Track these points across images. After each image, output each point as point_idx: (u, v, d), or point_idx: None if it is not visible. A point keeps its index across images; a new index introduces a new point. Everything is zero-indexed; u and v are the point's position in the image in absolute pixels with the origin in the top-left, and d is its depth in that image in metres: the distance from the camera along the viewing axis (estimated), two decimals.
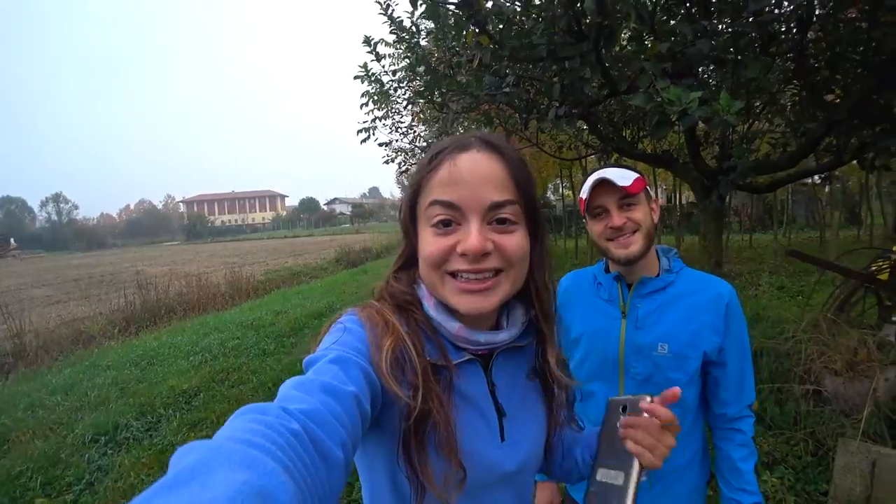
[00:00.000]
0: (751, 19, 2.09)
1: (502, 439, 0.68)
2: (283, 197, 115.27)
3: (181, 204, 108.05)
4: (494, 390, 0.70)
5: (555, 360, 0.73)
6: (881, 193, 11.44)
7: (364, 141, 5.83)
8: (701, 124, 2.33)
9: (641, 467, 0.62)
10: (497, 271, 0.62)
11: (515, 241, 0.62)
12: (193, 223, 76.78)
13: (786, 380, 2.81)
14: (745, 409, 1.14)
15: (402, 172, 8.62)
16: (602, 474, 0.63)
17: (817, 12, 2.25)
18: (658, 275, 1.16)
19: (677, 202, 11.74)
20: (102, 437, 3.58)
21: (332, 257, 17.77)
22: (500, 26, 2.07)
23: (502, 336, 0.68)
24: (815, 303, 3.85)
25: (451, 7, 2.07)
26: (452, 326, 0.66)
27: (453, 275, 0.62)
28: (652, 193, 1.16)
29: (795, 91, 3.18)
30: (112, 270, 19.13)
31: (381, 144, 7.99)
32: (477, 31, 1.90)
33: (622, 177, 1.07)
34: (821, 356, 2.74)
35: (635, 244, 1.09)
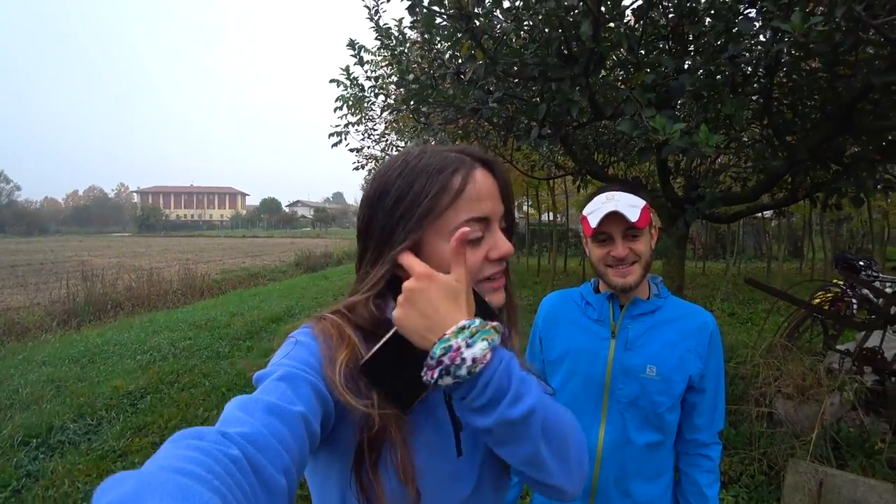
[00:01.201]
0: (726, 59, 2.20)
1: (459, 454, 0.65)
2: (243, 195, 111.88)
3: (135, 194, 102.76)
4: (451, 401, 0.67)
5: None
6: (823, 230, 12.33)
7: (335, 145, 5.75)
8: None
9: None
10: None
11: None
12: (147, 215, 72.87)
13: (742, 402, 2.93)
14: (715, 436, 1.18)
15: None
16: None
17: (785, 58, 2.40)
18: (648, 298, 1.18)
19: None
20: (34, 440, 3.29)
21: (292, 260, 17.34)
22: (493, 42, 2.09)
23: None
24: (767, 330, 4.07)
25: (445, 19, 2.07)
26: None
27: (484, 280, 0.65)
28: (654, 219, 1.18)
29: (758, 129, 3.38)
30: (54, 259, 17.89)
31: (352, 150, 7.91)
32: (473, 44, 1.91)
33: (631, 207, 1.07)
34: (775, 381, 2.89)
35: (633, 275, 1.11)
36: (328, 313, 0.65)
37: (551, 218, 13.98)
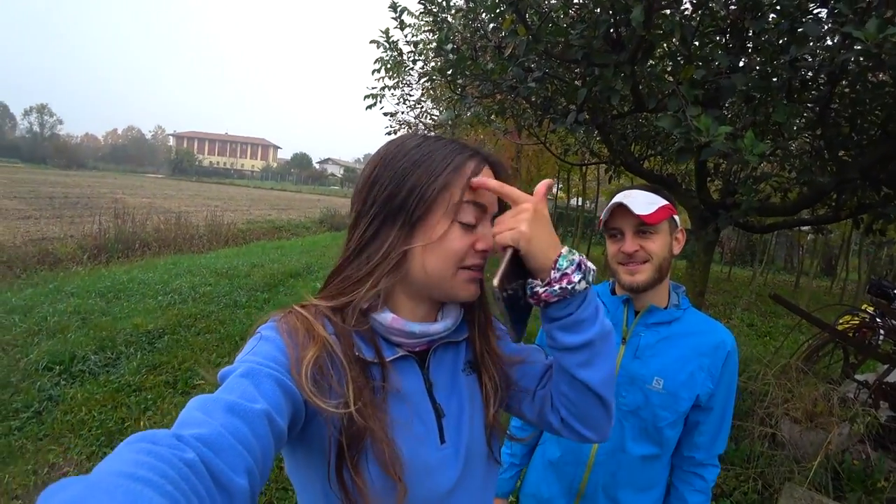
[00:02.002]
0: (787, 62, 2.06)
1: (442, 441, 0.65)
2: (276, 148, 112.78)
3: (171, 137, 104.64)
4: (432, 389, 0.67)
5: (494, 343, 0.74)
6: (861, 251, 11.78)
7: (370, 107, 5.69)
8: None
9: None
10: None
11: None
12: (181, 159, 74.38)
13: (747, 419, 2.87)
14: (714, 458, 1.14)
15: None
16: None
17: (850, 66, 2.23)
18: (666, 307, 1.13)
19: None
20: (57, 367, 3.47)
21: (317, 217, 17.51)
22: (538, 19, 1.99)
23: (437, 327, 0.68)
24: (785, 348, 3.95)
25: None
26: (385, 318, 0.64)
27: (464, 268, 0.65)
28: (678, 222, 1.12)
29: (808, 140, 3.19)
30: (89, 193, 18.52)
31: (386, 114, 7.83)
32: (516, 18, 1.82)
33: (643, 204, 1.04)
34: (784, 402, 2.81)
35: (642, 274, 1.07)
36: (298, 307, 0.64)
37: (580, 203, 13.72)
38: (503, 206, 0.70)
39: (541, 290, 0.61)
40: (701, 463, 1.13)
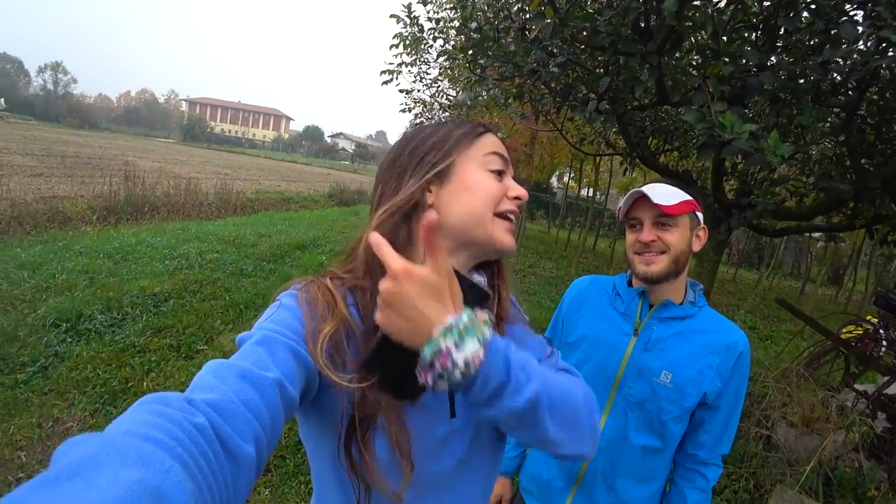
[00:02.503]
0: (818, 63, 2.00)
1: (453, 415, 0.65)
2: (288, 119, 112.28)
3: (184, 102, 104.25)
4: None
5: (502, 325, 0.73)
6: (871, 263, 11.67)
7: (386, 83, 5.62)
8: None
9: None
10: None
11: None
12: (193, 124, 74.21)
13: (744, 419, 2.89)
14: (718, 458, 1.15)
15: (417, 123, 8.45)
16: None
17: (883, 72, 2.17)
18: (682, 303, 1.13)
19: None
20: (64, 324, 3.51)
21: (326, 191, 17.50)
22: (565, 2, 1.94)
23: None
24: (787, 353, 3.95)
25: None
26: None
27: (500, 216, 0.67)
28: (701, 220, 1.11)
29: (831, 146, 3.12)
30: (101, 154, 18.52)
31: (402, 91, 7.74)
32: (544, 0, 1.77)
33: (665, 195, 1.04)
34: (782, 406, 2.82)
35: (658, 264, 1.07)
36: (325, 276, 0.64)
37: (590, 194, 13.62)
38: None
39: (417, 375, 0.51)
40: (704, 461, 1.14)
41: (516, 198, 0.68)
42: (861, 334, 4.01)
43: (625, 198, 1.11)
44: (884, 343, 3.86)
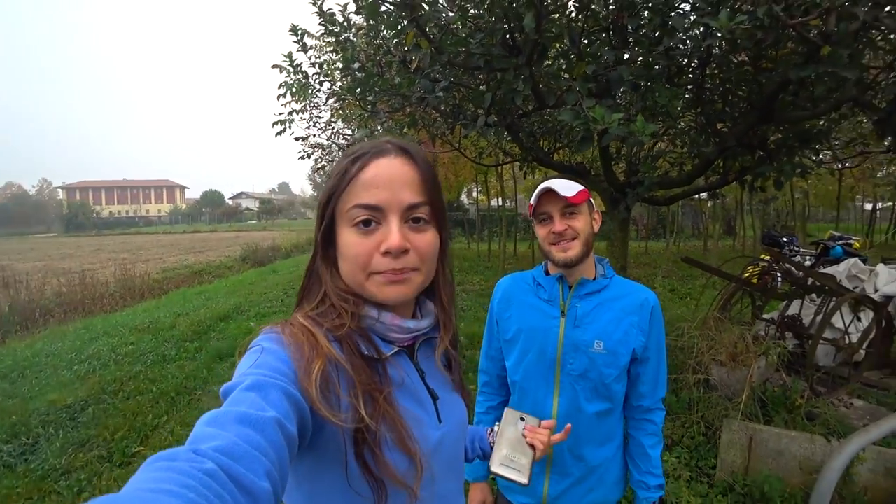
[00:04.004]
0: (662, 52, 2.32)
1: (440, 421, 0.72)
2: (182, 188, 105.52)
3: (59, 190, 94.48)
4: (424, 376, 0.73)
5: (453, 343, 0.80)
6: (752, 210, 13.32)
7: (279, 134, 5.53)
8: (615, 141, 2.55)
9: (535, 455, 0.89)
10: (413, 269, 0.66)
11: (428, 239, 0.67)
12: (75, 213, 67.22)
13: (681, 371, 3.15)
14: (658, 402, 1.28)
15: (318, 169, 8.36)
16: (509, 454, 0.87)
17: (715, 51, 2.56)
18: (595, 278, 1.25)
19: None
20: None
21: (238, 255, 16.76)
22: (438, 31, 2.09)
23: (423, 323, 0.73)
24: (702, 303, 4.37)
25: (390, 5, 2.05)
26: (386, 316, 0.68)
27: (376, 273, 0.65)
28: (594, 205, 1.25)
29: (692, 118, 3.59)
30: None
31: (297, 139, 7.66)
32: (418, 33, 1.90)
33: (567, 188, 1.15)
34: (709, 350, 3.12)
35: (573, 249, 1.17)
36: (299, 317, 0.65)
37: (501, 203, 14.22)
38: (436, 194, 0.68)
39: None
40: (648, 409, 1.27)
41: (386, 252, 0.63)
42: (759, 272, 4.57)
43: (534, 194, 1.21)
44: (778, 275, 4.43)
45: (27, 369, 4.88)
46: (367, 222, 0.63)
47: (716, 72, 2.82)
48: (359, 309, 0.67)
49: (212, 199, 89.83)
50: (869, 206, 16.50)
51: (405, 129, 3.79)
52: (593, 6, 2.16)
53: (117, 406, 3.92)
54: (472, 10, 2.17)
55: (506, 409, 0.95)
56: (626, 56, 2.44)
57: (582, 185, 1.20)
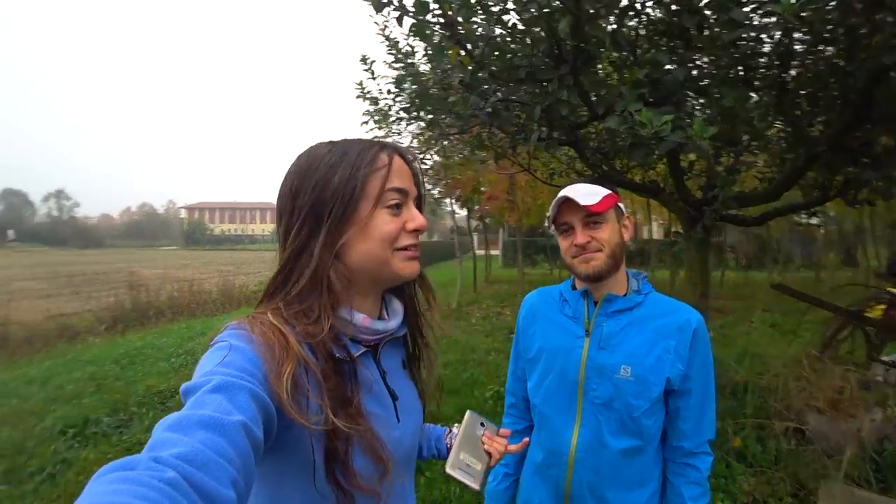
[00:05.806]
0: (725, 48, 2.13)
1: (398, 420, 0.74)
2: None
3: (182, 210, 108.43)
4: (385, 377, 0.75)
5: (430, 339, 0.84)
6: (874, 237, 11.50)
7: None
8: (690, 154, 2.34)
9: (489, 462, 0.87)
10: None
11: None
12: (193, 230, 76.97)
13: (766, 416, 2.75)
14: (704, 444, 1.10)
15: None
16: (464, 458, 0.85)
17: (797, 48, 2.30)
18: (626, 294, 1.12)
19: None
20: (71, 430, 3.56)
21: None
22: (482, 45, 2.10)
23: (391, 324, 0.75)
24: (800, 338, 3.82)
25: (437, 28, 2.10)
26: (358, 318, 0.70)
27: (400, 249, 0.70)
28: (624, 210, 1.13)
29: (781, 126, 3.22)
30: (106, 269, 19.10)
31: None
32: (461, 51, 1.93)
33: (588, 194, 1.05)
34: (801, 392, 2.70)
35: (597, 261, 1.06)
36: (265, 312, 0.63)
37: None
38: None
39: None
40: (691, 452, 1.09)
41: (415, 230, 0.71)
42: (887, 304, 3.82)
43: (551, 205, 1.10)
44: None
45: (136, 358, 5.60)
46: (398, 205, 0.70)
47: (801, 70, 2.51)
48: (336, 309, 0.66)
49: None
50: None
51: (475, 150, 3.82)
52: (647, 10, 2.06)
53: None
54: (510, 21, 2.15)
55: (468, 413, 0.91)
56: (684, 56, 2.26)
57: (608, 189, 1.09)
